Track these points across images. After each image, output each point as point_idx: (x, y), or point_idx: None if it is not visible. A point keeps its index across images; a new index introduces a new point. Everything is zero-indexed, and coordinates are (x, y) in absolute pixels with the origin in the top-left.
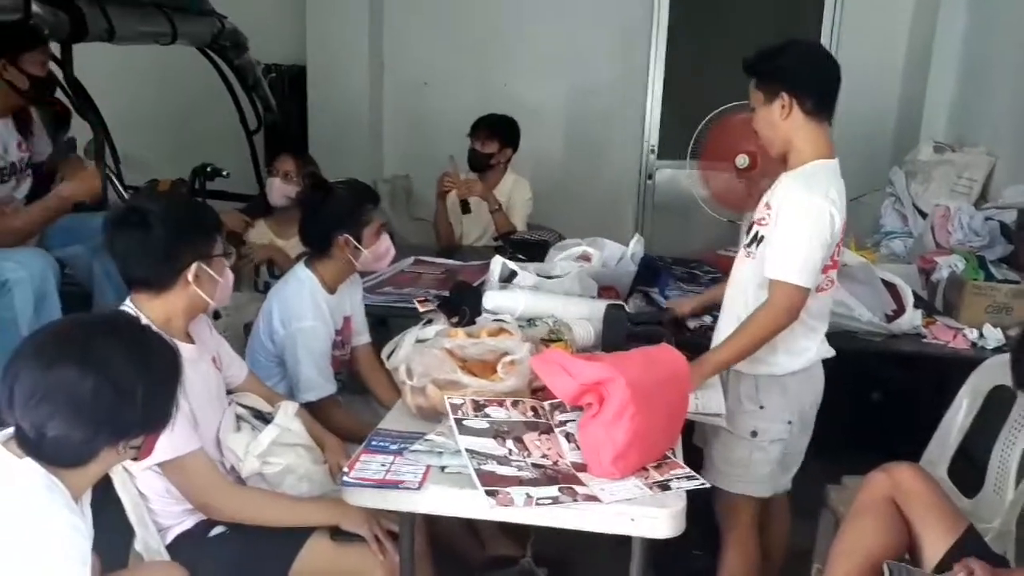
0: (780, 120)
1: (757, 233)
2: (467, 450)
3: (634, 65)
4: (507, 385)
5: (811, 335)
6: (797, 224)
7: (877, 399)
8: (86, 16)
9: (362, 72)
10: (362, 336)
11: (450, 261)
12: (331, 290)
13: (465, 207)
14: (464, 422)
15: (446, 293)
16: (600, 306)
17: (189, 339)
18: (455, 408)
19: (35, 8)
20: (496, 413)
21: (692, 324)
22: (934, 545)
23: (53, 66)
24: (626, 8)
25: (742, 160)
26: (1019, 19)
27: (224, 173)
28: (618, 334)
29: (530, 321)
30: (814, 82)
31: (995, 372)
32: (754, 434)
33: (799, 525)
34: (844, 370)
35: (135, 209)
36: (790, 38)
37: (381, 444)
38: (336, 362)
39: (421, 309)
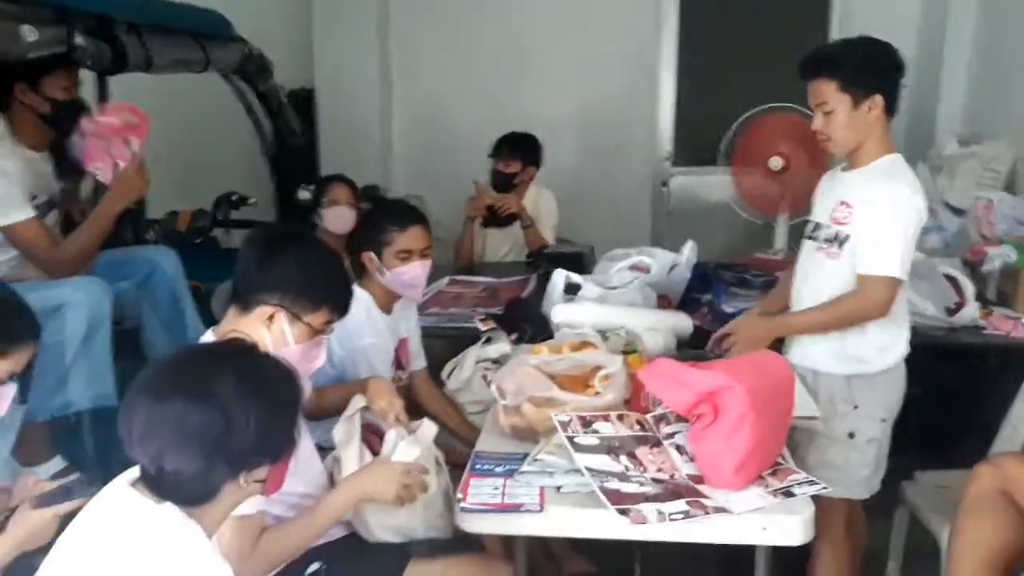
0: (864, 120)
1: (838, 233)
2: (586, 468)
3: (645, 74)
4: (607, 399)
5: (900, 331)
6: (888, 217)
7: (921, 394)
8: (126, 46)
9: (371, 93)
10: (418, 361)
11: (486, 279)
12: (386, 309)
13: (509, 220)
14: (576, 439)
15: (495, 311)
16: (664, 316)
17: None
18: (564, 425)
19: (78, 39)
20: (604, 428)
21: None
22: None
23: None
24: (635, 18)
25: (776, 162)
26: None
27: (251, 201)
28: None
29: (600, 333)
30: (896, 81)
31: None
32: (851, 435)
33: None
34: (908, 365)
35: (292, 234)
36: (863, 36)
37: (485, 467)
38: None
39: (483, 328)
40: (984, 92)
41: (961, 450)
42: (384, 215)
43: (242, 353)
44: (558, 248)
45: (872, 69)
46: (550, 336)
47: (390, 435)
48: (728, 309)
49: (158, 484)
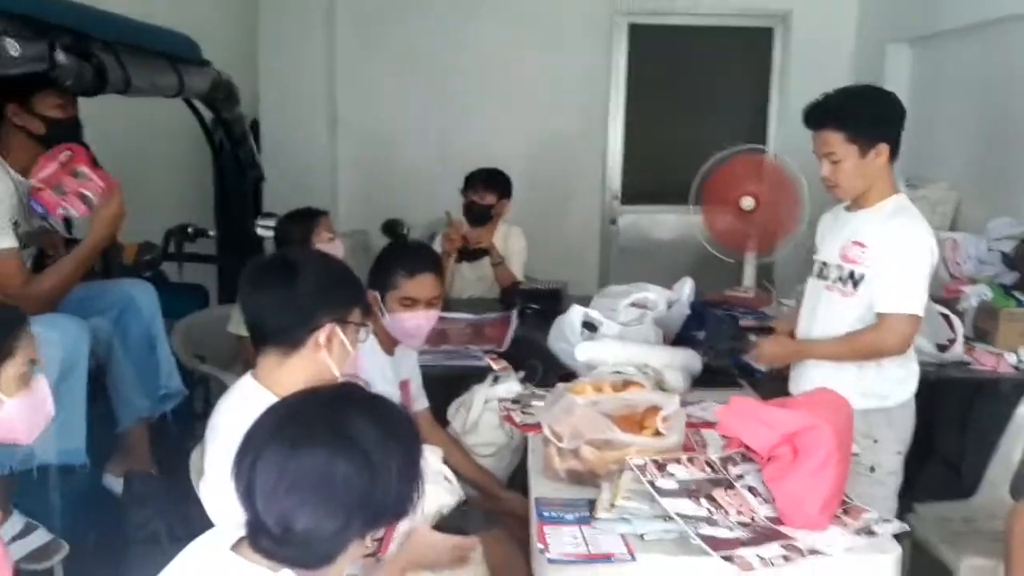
0: (872, 167)
1: (853, 272)
2: (677, 514)
3: (594, 114)
4: (671, 441)
5: (913, 365)
6: (907, 257)
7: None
8: (106, 66)
9: (317, 126)
10: (420, 401)
11: (467, 315)
12: (389, 351)
13: (479, 255)
14: (656, 484)
15: (496, 348)
16: (677, 353)
17: None
18: (640, 469)
19: (59, 57)
20: (679, 472)
21: (764, 367)
22: None
23: None
24: (584, 58)
25: (748, 202)
26: (961, 68)
27: (210, 233)
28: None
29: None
30: (900, 129)
31: None
32: (872, 469)
33: None
34: None
35: (282, 259)
36: (863, 84)
37: (554, 515)
38: None
39: (496, 367)
40: (921, 138)
41: (930, 481)
42: (395, 257)
43: (366, 397)
44: (535, 285)
45: (878, 120)
46: (569, 375)
47: None
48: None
49: (280, 546)
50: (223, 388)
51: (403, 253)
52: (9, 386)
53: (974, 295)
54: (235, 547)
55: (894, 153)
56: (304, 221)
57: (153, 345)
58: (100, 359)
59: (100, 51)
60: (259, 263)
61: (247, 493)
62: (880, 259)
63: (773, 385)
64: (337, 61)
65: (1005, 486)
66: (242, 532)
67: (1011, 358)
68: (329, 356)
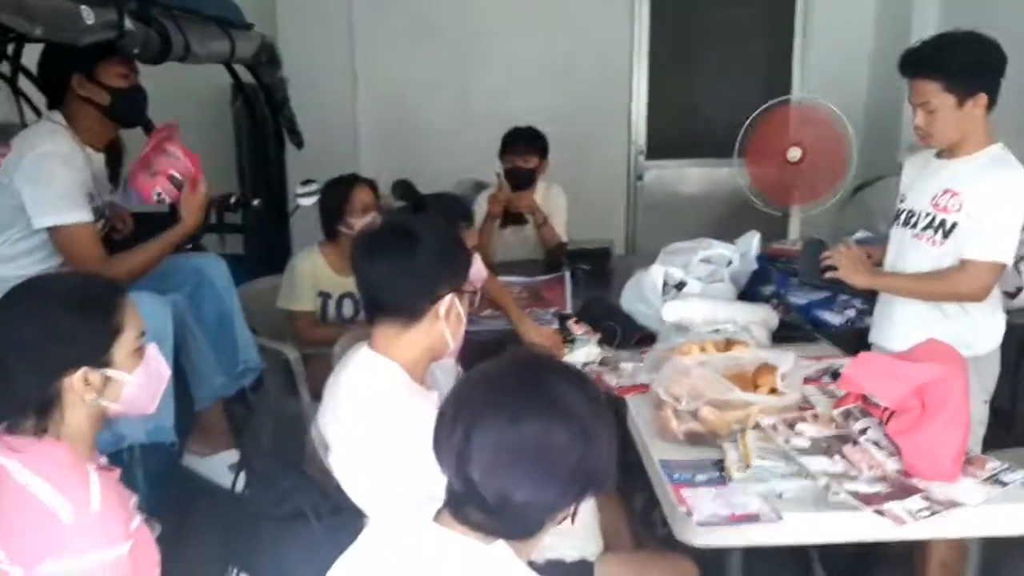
0: (967, 117)
1: (944, 221)
2: (824, 473)
3: (617, 69)
4: (792, 399)
5: (1000, 314)
6: (1004, 205)
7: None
8: (170, 33)
9: (340, 86)
10: None
11: (520, 278)
12: None
13: (521, 218)
14: (791, 442)
15: (555, 311)
16: (756, 309)
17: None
18: (772, 429)
19: (128, 25)
20: (808, 430)
21: (838, 321)
22: None
23: None
24: (607, 11)
25: (795, 153)
26: (993, 11)
27: (255, 203)
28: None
29: (716, 331)
30: (1000, 78)
31: None
32: None
33: None
34: None
35: (400, 227)
36: (962, 30)
37: (683, 477)
38: None
39: (579, 331)
40: None
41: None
42: (455, 212)
43: (562, 366)
44: (582, 245)
45: (977, 69)
46: (647, 336)
47: None
48: (799, 301)
49: (493, 518)
50: (278, 360)
51: (456, 207)
52: (127, 363)
53: None
54: (436, 519)
55: (992, 102)
56: (339, 189)
57: (229, 320)
58: (176, 337)
59: (161, 17)
60: (373, 232)
61: (459, 465)
62: (974, 209)
63: (848, 337)
64: (354, 20)
65: None
66: (430, 505)
67: None
68: (446, 326)
